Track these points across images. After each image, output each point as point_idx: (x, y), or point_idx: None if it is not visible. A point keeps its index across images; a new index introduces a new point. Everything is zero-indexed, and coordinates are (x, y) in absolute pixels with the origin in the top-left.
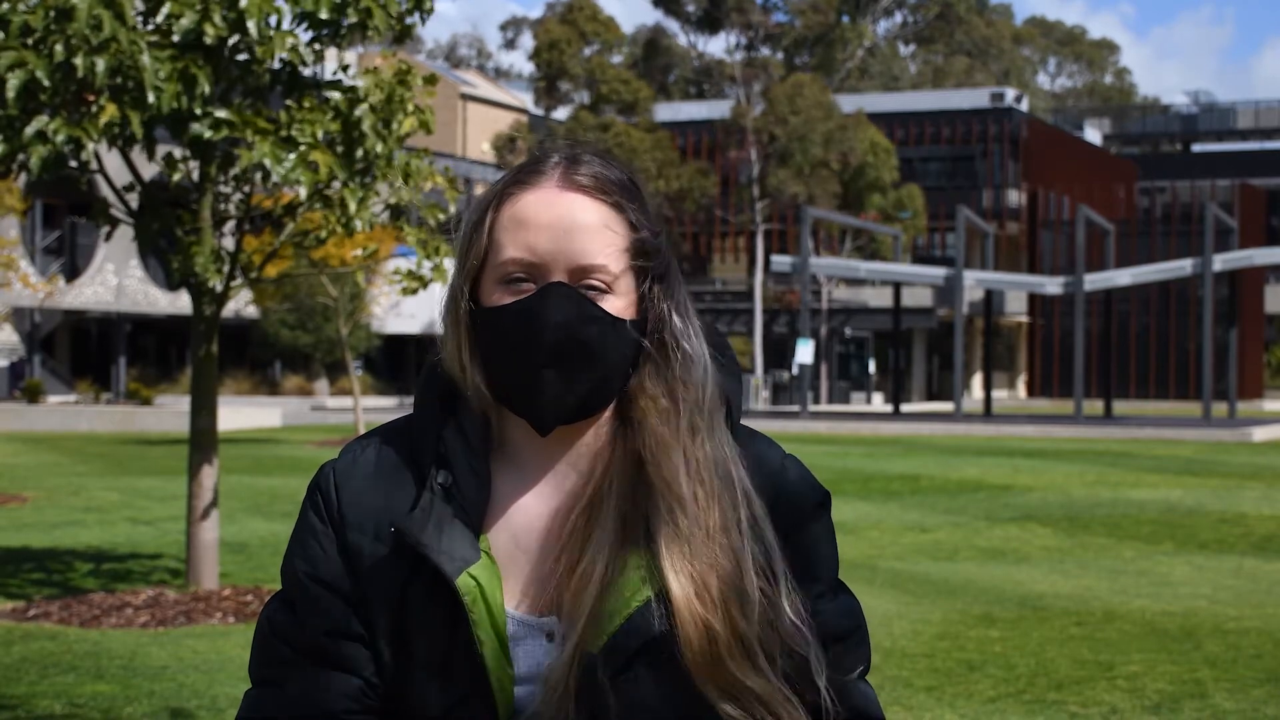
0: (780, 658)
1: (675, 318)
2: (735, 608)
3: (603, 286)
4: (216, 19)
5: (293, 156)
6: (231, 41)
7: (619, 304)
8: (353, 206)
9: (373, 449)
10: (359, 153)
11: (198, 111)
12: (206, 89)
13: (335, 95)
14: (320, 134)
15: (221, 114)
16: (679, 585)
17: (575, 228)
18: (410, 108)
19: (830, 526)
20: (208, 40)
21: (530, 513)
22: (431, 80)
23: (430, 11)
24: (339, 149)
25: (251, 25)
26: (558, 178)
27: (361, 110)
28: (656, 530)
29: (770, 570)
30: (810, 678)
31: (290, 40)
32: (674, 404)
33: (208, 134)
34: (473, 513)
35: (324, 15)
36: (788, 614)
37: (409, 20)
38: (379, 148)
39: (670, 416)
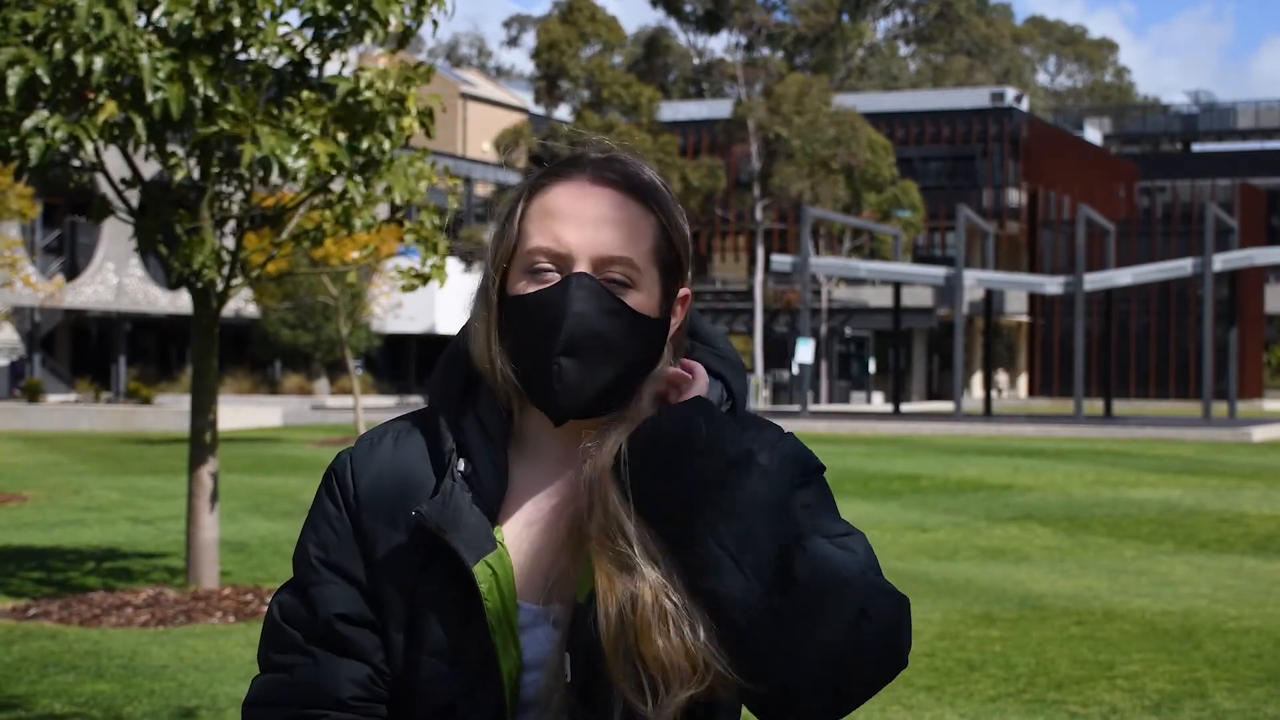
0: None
1: (690, 320)
2: (659, 610)
3: (626, 280)
4: (211, 8)
5: (295, 147)
6: (220, 31)
7: (642, 300)
8: (358, 199)
9: (390, 437)
10: (364, 144)
11: (199, 113)
12: (208, 91)
13: (340, 85)
14: (320, 126)
15: (229, 106)
16: (603, 578)
17: (602, 220)
18: (413, 109)
19: (825, 493)
20: (196, 34)
21: (544, 504)
22: (429, 74)
23: (437, 23)
24: (341, 138)
25: (237, 20)
26: (589, 172)
27: (370, 99)
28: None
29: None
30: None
31: (283, 29)
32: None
33: (210, 130)
34: (490, 502)
35: (322, 10)
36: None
37: (409, 23)
38: (386, 144)
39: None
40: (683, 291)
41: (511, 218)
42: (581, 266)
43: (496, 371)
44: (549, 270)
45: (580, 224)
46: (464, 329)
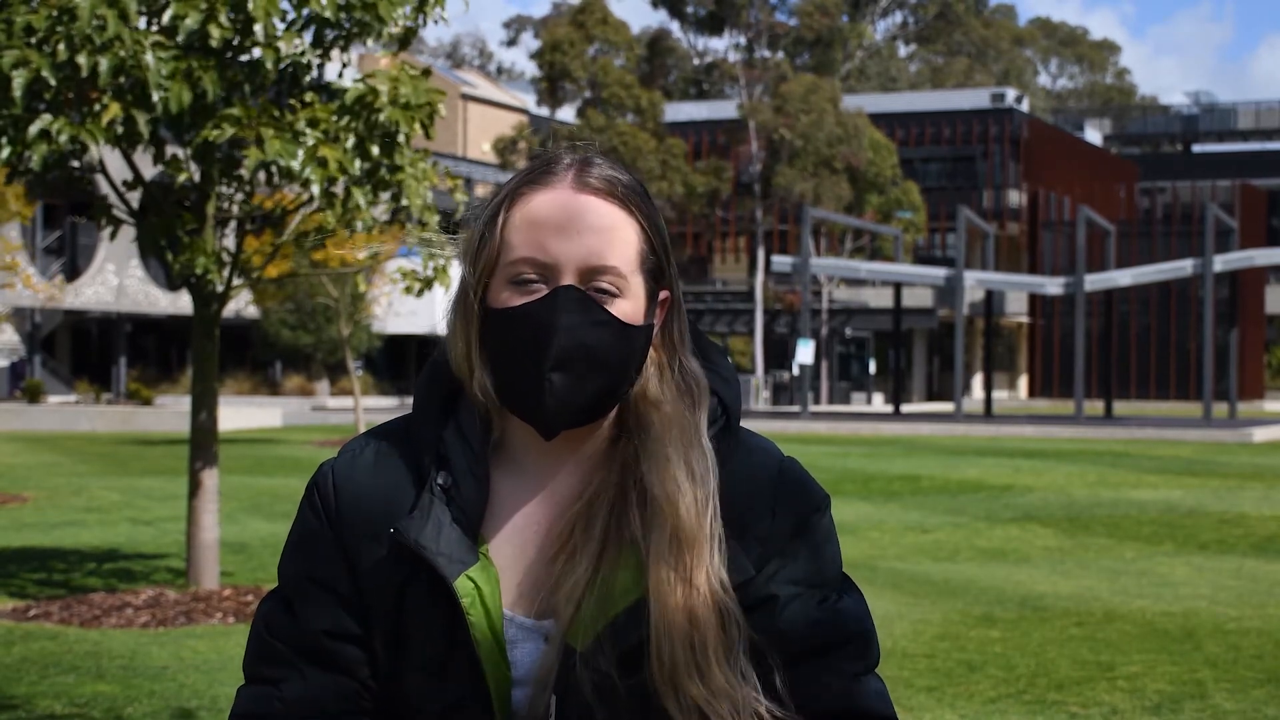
0: (746, 668)
1: (677, 325)
2: (710, 619)
3: (613, 290)
4: (222, 19)
5: (302, 154)
6: (236, 42)
7: (628, 308)
8: (362, 203)
9: (372, 449)
10: (374, 150)
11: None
12: (213, 94)
13: (350, 87)
14: (325, 129)
15: (233, 111)
16: (659, 593)
17: (588, 228)
18: (423, 116)
19: (831, 529)
20: (213, 42)
21: (529, 515)
22: (426, 74)
23: (438, 21)
24: (348, 146)
25: (259, 29)
26: (571, 179)
27: (392, 115)
28: (648, 536)
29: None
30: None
31: (296, 41)
32: (676, 410)
33: (214, 134)
34: (471, 515)
35: (328, 15)
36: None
37: (409, 24)
38: (400, 158)
39: (671, 423)
40: (663, 294)
41: (492, 226)
42: (568, 277)
43: (475, 382)
44: (535, 281)
45: (566, 234)
46: (445, 338)
